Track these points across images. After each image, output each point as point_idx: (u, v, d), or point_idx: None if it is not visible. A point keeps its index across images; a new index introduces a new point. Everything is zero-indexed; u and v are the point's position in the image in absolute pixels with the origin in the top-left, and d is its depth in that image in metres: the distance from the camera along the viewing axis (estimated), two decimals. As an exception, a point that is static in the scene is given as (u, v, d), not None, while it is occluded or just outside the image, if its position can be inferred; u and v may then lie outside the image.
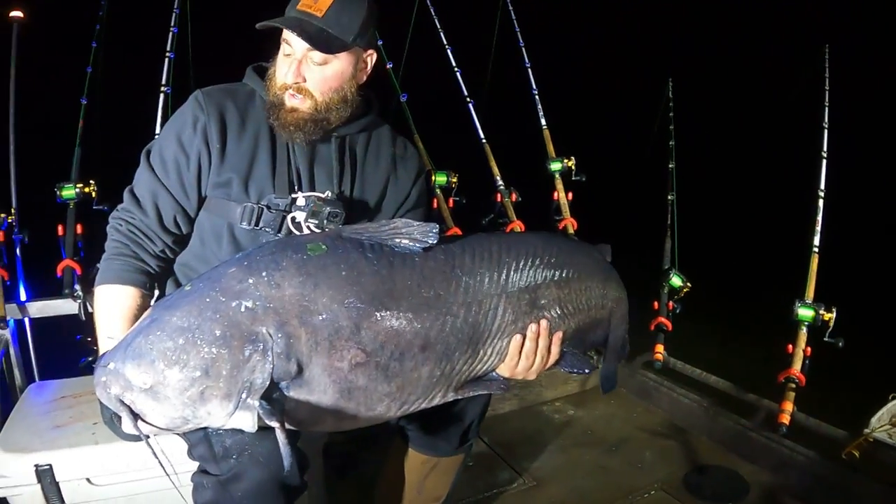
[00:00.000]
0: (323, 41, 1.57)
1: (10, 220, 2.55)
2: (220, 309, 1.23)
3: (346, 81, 1.67)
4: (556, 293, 1.61)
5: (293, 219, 1.65)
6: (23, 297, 2.56)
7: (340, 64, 1.64)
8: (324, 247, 1.35)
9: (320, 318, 1.27)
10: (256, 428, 1.27)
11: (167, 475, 1.29)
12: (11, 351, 2.47)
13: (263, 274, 1.27)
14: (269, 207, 1.64)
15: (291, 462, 1.24)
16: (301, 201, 1.66)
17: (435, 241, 1.42)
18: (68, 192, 2.63)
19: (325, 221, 1.63)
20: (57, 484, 1.81)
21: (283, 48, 1.62)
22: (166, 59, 2.96)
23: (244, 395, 1.22)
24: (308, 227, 1.65)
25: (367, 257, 1.37)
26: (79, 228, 2.60)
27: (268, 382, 1.23)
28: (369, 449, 2.55)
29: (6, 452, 1.81)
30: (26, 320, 2.57)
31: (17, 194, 2.62)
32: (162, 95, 2.84)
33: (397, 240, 1.41)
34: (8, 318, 2.45)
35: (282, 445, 1.23)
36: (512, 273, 1.53)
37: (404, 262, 1.40)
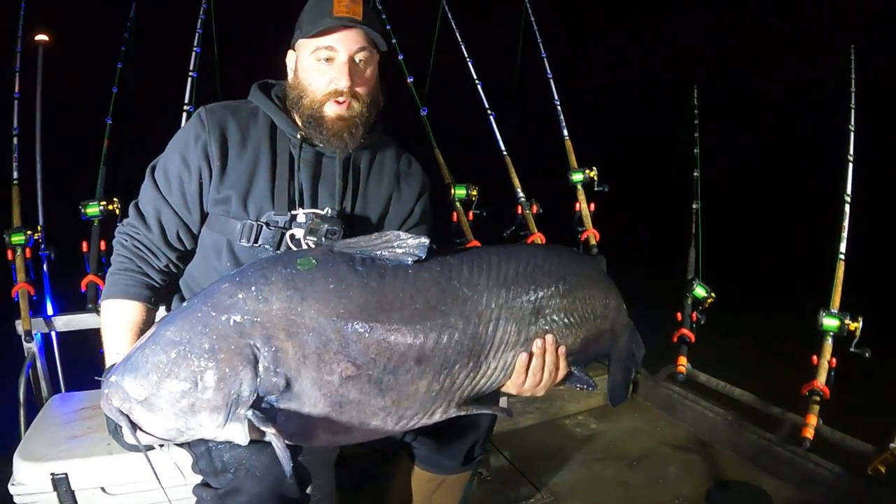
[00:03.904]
0: (373, 39, 1.64)
1: (36, 237, 2.64)
2: (210, 323, 1.25)
3: (377, 83, 1.73)
4: (560, 303, 1.58)
5: (292, 236, 1.67)
6: (49, 311, 2.64)
7: (375, 64, 1.70)
8: (314, 261, 1.35)
9: (307, 331, 1.28)
10: (248, 440, 1.28)
11: (161, 487, 1.32)
12: (38, 364, 2.55)
13: (252, 288, 1.29)
14: (268, 224, 1.66)
15: (291, 466, 1.24)
16: (301, 218, 1.67)
17: (424, 255, 1.41)
18: (93, 209, 2.72)
19: (323, 239, 1.63)
20: (73, 492, 1.87)
21: (318, 55, 1.63)
22: (189, 79, 3.03)
23: (233, 408, 1.24)
24: (307, 244, 1.65)
25: (357, 270, 1.36)
26: (102, 245, 2.68)
27: (255, 395, 1.24)
28: (387, 463, 2.55)
29: (24, 461, 1.87)
30: (53, 334, 2.65)
31: (43, 212, 2.72)
32: (185, 114, 2.90)
33: (389, 253, 1.41)
34: (35, 331, 2.53)
35: (279, 451, 1.24)
36: (513, 284, 1.50)
37: (396, 275, 1.39)
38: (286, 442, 1.31)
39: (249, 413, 1.25)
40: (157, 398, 1.23)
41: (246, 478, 1.41)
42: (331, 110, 1.64)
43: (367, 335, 1.32)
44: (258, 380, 1.24)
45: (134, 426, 1.26)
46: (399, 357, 1.35)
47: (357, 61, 1.64)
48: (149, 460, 1.29)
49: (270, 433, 1.24)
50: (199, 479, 1.53)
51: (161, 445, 1.33)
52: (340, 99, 1.63)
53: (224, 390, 1.23)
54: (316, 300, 1.30)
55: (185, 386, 1.22)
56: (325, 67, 1.63)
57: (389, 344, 1.34)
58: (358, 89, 1.65)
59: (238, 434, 1.28)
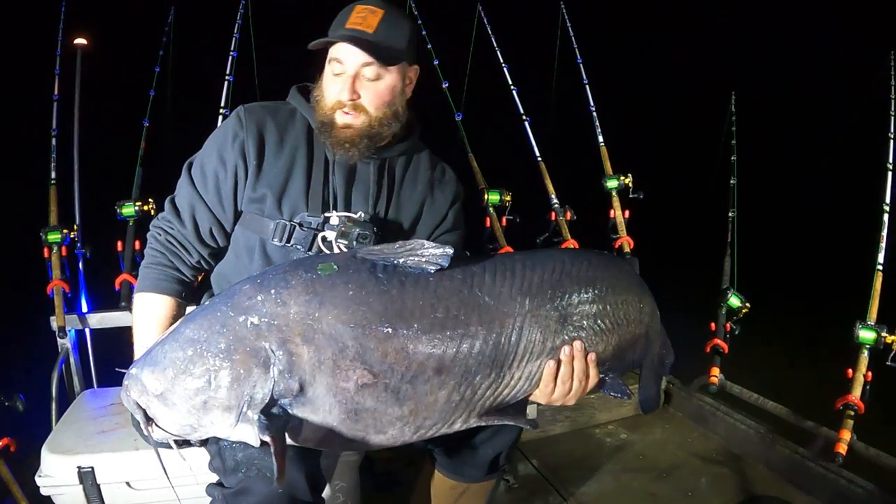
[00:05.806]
0: (379, 53, 1.60)
1: (72, 236, 2.71)
2: (228, 323, 1.26)
3: (397, 96, 1.69)
4: (590, 310, 1.53)
5: (324, 238, 1.67)
6: (84, 308, 2.71)
7: (392, 78, 1.65)
8: (335, 266, 1.35)
9: (324, 337, 1.27)
10: (259, 442, 1.28)
11: (171, 486, 1.34)
12: (71, 359, 2.61)
13: (272, 291, 1.29)
14: (301, 225, 1.66)
15: (281, 478, 1.22)
16: (335, 220, 1.67)
17: (447, 263, 1.39)
18: (128, 209, 2.80)
19: (354, 243, 1.63)
20: (98, 486, 1.92)
21: (332, 67, 1.64)
22: (226, 82, 3.09)
23: (245, 409, 1.24)
24: (339, 247, 1.65)
25: (378, 277, 1.36)
26: (137, 244, 2.75)
27: (268, 398, 1.24)
28: (412, 467, 2.54)
29: (52, 453, 1.92)
30: (87, 331, 2.71)
31: (80, 211, 2.79)
32: (220, 117, 2.95)
33: (411, 260, 1.39)
34: (69, 328, 2.59)
35: (274, 460, 1.22)
36: (538, 291, 1.47)
37: (417, 283, 1.38)
38: (297, 444, 1.32)
39: (257, 416, 1.25)
40: (171, 394, 1.25)
41: (257, 478, 1.42)
42: (340, 119, 1.65)
43: (384, 343, 1.31)
44: (271, 382, 1.25)
45: (149, 420, 1.29)
46: (417, 366, 1.33)
47: (366, 76, 1.62)
48: (158, 454, 1.33)
49: (269, 441, 1.24)
50: (214, 478, 1.54)
51: (177, 442, 1.34)
52: (345, 110, 1.63)
53: (237, 390, 1.24)
54: (334, 306, 1.30)
55: (200, 383, 1.24)
56: (335, 79, 1.64)
57: (408, 353, 1.33)
58: (363, 103, 1.64)
59: (249, 435, 1.28)
